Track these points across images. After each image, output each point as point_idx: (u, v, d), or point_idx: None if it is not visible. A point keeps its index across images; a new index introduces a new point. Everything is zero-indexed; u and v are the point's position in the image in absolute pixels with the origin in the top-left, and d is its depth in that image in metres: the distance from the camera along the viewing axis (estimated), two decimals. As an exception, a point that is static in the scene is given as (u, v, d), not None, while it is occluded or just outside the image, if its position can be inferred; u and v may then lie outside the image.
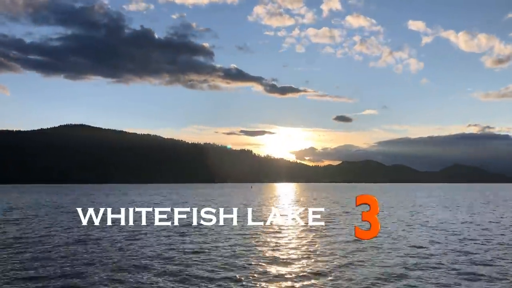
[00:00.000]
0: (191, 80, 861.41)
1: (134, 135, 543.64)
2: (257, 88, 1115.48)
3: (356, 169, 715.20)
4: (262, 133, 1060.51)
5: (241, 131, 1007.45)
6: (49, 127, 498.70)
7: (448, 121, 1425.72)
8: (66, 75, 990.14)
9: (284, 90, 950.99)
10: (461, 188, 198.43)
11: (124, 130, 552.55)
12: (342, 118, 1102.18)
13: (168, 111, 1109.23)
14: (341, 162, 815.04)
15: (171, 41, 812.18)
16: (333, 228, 28.48)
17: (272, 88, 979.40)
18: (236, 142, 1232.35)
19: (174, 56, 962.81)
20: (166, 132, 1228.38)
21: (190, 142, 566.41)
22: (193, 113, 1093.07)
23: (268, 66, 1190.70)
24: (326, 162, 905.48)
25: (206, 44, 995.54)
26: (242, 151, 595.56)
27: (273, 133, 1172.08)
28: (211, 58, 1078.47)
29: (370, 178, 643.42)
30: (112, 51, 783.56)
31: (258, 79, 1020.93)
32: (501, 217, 38.44)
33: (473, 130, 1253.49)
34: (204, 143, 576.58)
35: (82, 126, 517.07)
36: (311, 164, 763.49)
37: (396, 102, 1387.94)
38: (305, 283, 14.46)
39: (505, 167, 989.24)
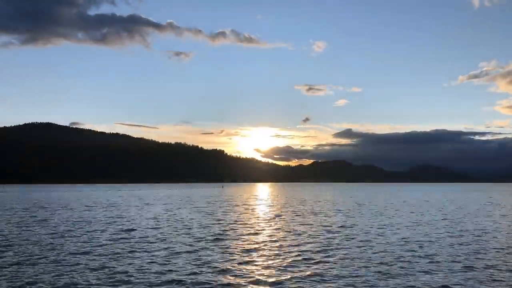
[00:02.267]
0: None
1: (103, 134, 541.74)
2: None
3: (326, 168, 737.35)
4: (235, 133, 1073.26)
5: (216, 132, 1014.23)
6: (12, 125, 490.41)
7: (419, 120, 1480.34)
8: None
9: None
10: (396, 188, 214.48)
11: (92, 129, 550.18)
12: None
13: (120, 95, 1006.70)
14: (312, 162, 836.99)
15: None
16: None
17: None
18: (208, 141, 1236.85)
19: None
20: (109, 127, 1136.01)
21: (161, 142, 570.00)
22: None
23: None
24: (298, 162, 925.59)
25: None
26: (214, 151, 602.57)
27: (247, 135, 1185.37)
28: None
29: (340, 178, 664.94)
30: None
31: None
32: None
33: (441, 129, 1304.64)
34: (175, 143, 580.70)
35: (48, 124, 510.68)
36: (282, 164, 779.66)
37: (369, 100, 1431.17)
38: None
39: (471, 166, 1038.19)
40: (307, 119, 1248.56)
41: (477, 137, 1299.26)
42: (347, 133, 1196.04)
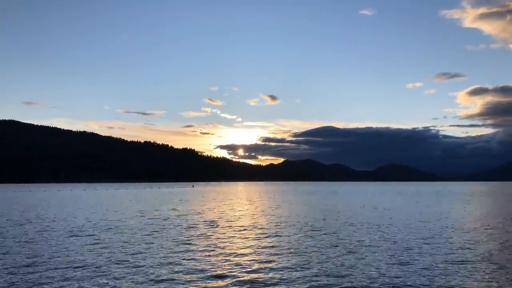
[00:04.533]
0: None
1: (69, 132, 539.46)
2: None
3: (296, 168, 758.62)
4: (208, 133, 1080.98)
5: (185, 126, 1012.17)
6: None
7: (387, 119, 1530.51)
8: None
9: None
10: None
11: (57, 126, 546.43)
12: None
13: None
14: (282, 160, 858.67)
15: None
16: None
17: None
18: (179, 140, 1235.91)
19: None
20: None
21: (129, 141, 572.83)
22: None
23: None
24: (269, 161, 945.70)
25: None
26: (185, 150, 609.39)
27: (213, 134, 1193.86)
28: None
29: (310, 177, 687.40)
30: None
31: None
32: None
33: (410, 128, 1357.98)
34: (144, 142, 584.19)
35: (12, 122, 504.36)
36: (253, 163, 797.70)
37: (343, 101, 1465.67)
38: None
39: (436, 166, 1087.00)
40: (278, 116, 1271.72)
41: (444, 136, 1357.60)
42: (318, 131, 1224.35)
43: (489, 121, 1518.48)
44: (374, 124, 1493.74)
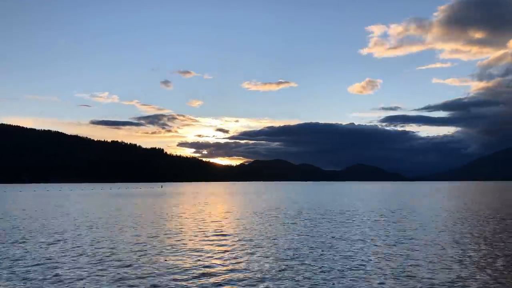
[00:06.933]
0: None
1: (33, 131, 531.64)
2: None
3: (267, 167, 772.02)
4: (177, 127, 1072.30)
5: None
6: None
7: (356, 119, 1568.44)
8: None
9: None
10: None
11: (20, 125, 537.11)
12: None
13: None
14: (253, 160, 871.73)
15: None
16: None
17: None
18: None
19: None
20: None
21: (96, 140, 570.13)
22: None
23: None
24: (239, 160, 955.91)
25: None
26: (153, 149, 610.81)
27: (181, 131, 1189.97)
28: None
29: (281, 177, 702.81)
30: None
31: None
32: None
33: (379, 127, 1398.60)
34: (111, 141, 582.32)
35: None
36: (224, 163, 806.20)
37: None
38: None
39: (403, 166, 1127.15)
40: (244, 115, 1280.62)
41: (413, 137, 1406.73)
42: (290, 130, 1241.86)
43: (454, 120, 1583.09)
44: (343, 122, 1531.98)
